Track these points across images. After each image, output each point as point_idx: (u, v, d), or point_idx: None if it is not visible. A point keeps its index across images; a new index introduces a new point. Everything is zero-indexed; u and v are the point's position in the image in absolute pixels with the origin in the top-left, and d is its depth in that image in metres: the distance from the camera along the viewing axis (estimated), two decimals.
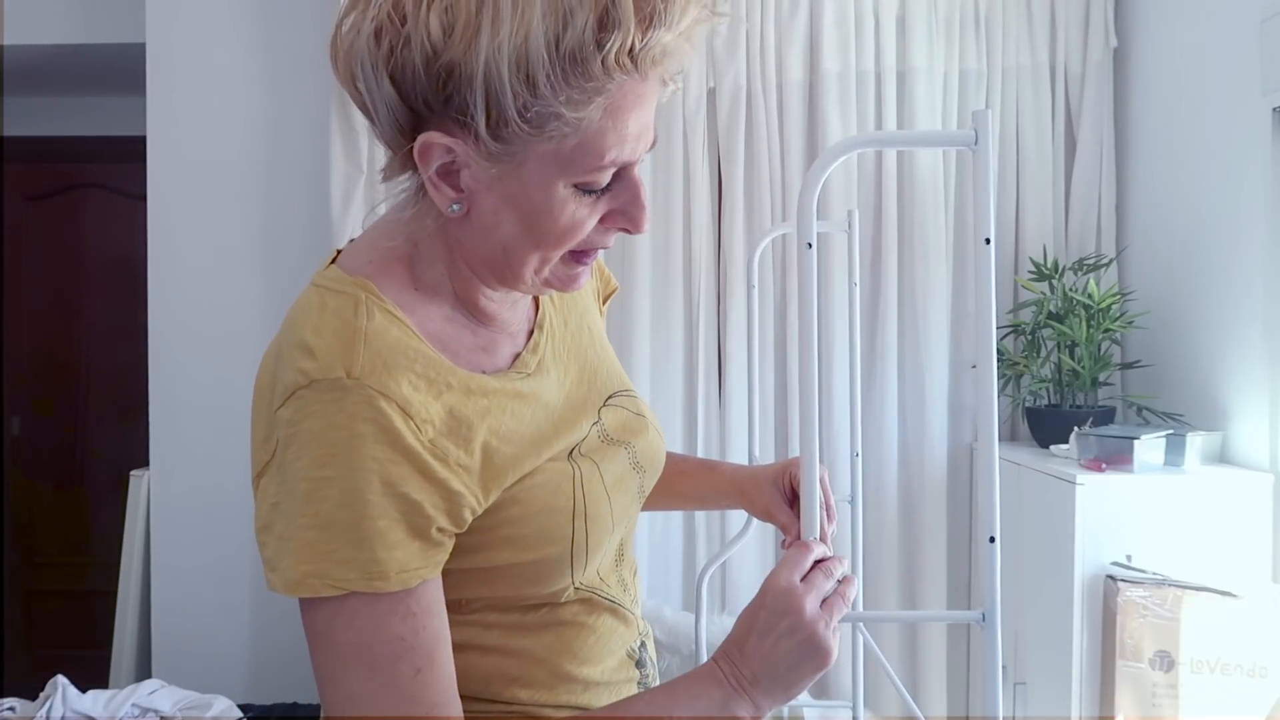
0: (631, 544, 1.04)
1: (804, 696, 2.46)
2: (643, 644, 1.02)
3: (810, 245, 0.84)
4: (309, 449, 0.77)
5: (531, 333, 0.96)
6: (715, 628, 2.31)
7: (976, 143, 0.82)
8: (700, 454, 2.83)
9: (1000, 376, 2.73)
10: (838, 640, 0.85)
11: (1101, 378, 2.64)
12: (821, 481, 0.97)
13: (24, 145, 4.03)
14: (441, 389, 0.83)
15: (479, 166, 0.80)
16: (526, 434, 0.88)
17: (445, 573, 0.84)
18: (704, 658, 1.74)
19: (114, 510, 3.20)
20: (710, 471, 1.21)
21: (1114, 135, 2.83)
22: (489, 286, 0.89)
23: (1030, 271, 2.73)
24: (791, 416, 2.82)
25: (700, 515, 2.84)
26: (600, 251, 0.90)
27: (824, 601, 0.85)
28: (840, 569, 0.87)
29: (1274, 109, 2.17)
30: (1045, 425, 2.62)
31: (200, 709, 2.41)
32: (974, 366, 2.76)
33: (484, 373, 0.88)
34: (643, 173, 0.86)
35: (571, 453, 0.92)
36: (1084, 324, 2.56)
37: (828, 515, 1.00)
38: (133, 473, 3.05)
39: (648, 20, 0.76)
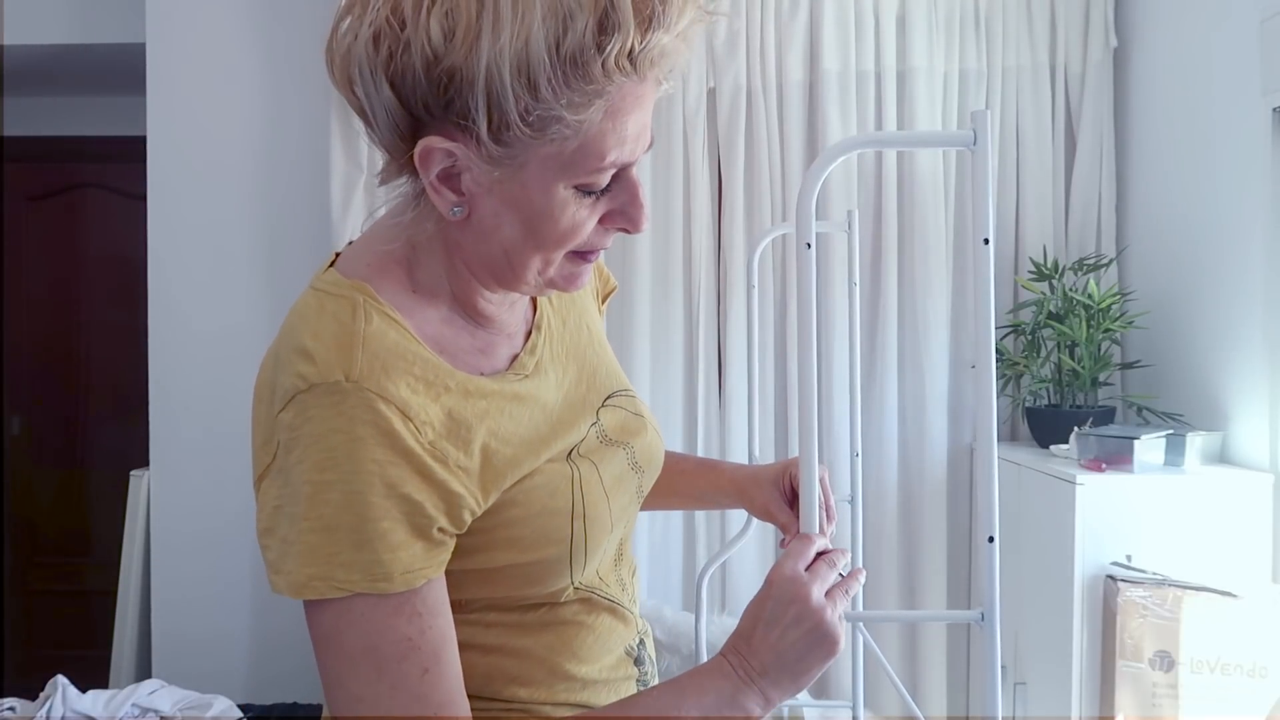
0: (630, 543, 1.04)
1: (804, 696, 2.46)
2: (641, 642, 1.03)
3: (809, 245, 0.85)
4: (310, 453, 0.77)
5: (529, 334, 0.96)
6: (715, 628, 2.31)
7: (975, 143, 0.82)
8: (700, 454, 2.83)
9: (1000, 376, 2.73)
10: (845, 630, 0.86)
11: (1101, 378, 2.64)
12: (821, 481, 0.98)
13: (24, 145, 4.03)
14: (440, 391, 0.83)
15: (480, 170, 0.80)
16: (525, 435, 0.88)
17: (446, 574, 0.84)
18: (704, 658, 1.74)
19: (114, 510, 3.20)
20: (710, 471, 1.21)
21: (1114, 135, 2.83)
22: (488, 289, 0.89)
23: (1030, 271, 2.73)
24: (791, 416, 2.82)
25: (700, 515, 2.84)
26: (600, 251, 0.90)
27: (828, 591, 0.85)
28: (843, 561, 0.88)
29: (1274, 109, 2.17)
30: (1045, 425, 2.62)
31: (200, 709, 2.41)
32: (973, 366, 2.77)
33: (482, 375, 0.88)
34: (641, 173, 0.86)
35: (570, 454, 0.92)
36: (1084, 324, 2.56)
37: (827, 515, 1.00)
38: (133, 473, 3.05)
39: (646, 23, 0.76)
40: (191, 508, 2.96)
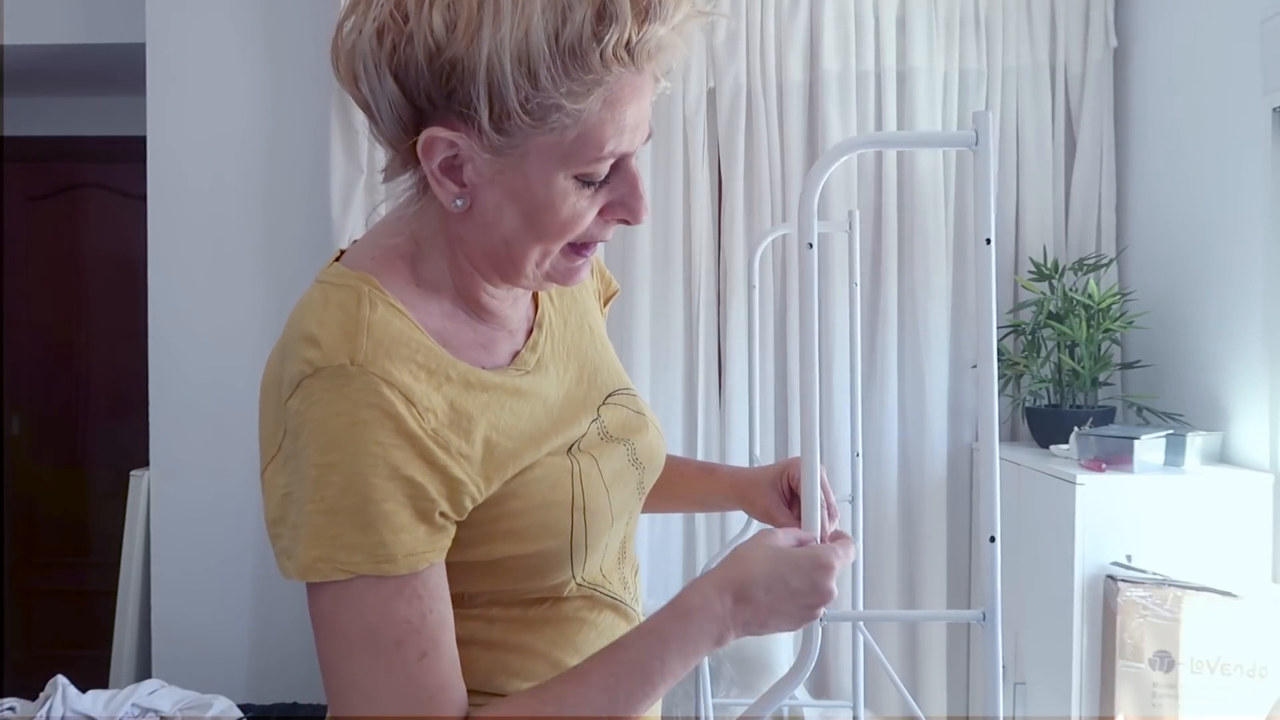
0: (634, 542, 1.05)
1: (804, 696, 2.46)
2: None
3: (811, 245, 0.85)
4: (315, 436, 0.78)
5: (531, 331, 0.97)
6: None
7: (978, 143, 0.82)
8: (700, 454, 2.83)
9: (1000, 376, 2.73)
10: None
11: (1101, 378, 2.64)
12: (821, 481, 0.98)
13: (24, 145, 4.03)
14: (441, 381, 0.84)
15: (482, 160, 0.82)
16: (525, 430, 0.89)
17: (448, 566, 0.84)
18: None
19: (114, 510, 3.20)
20: (709, 475, 1.22)
21: (1114, 135, 2.83)
22: (490, 282, 0.90)
23: (1030, 271, 2.73)
24: (792, 416, 2.82)
25: (700, 515, 2.84)
26: (600, 246, 0.91)
27: None
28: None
29: (1274, 109, 2.17)
30: (1045, 425, 2.62)
31: (200, 709, 2.41)
32: (974, 366, 2.77)
33: (484, 368, 0.89)
34: (640, 165, 0.87)
35: (571, 449, 0.92)
36: (1084, 324, 2.56)
37: (829, 514, 1.00)
38: (133, 473, 3.05)
39: (643, 15, 0.78)
40: (191, 507, 2.96)
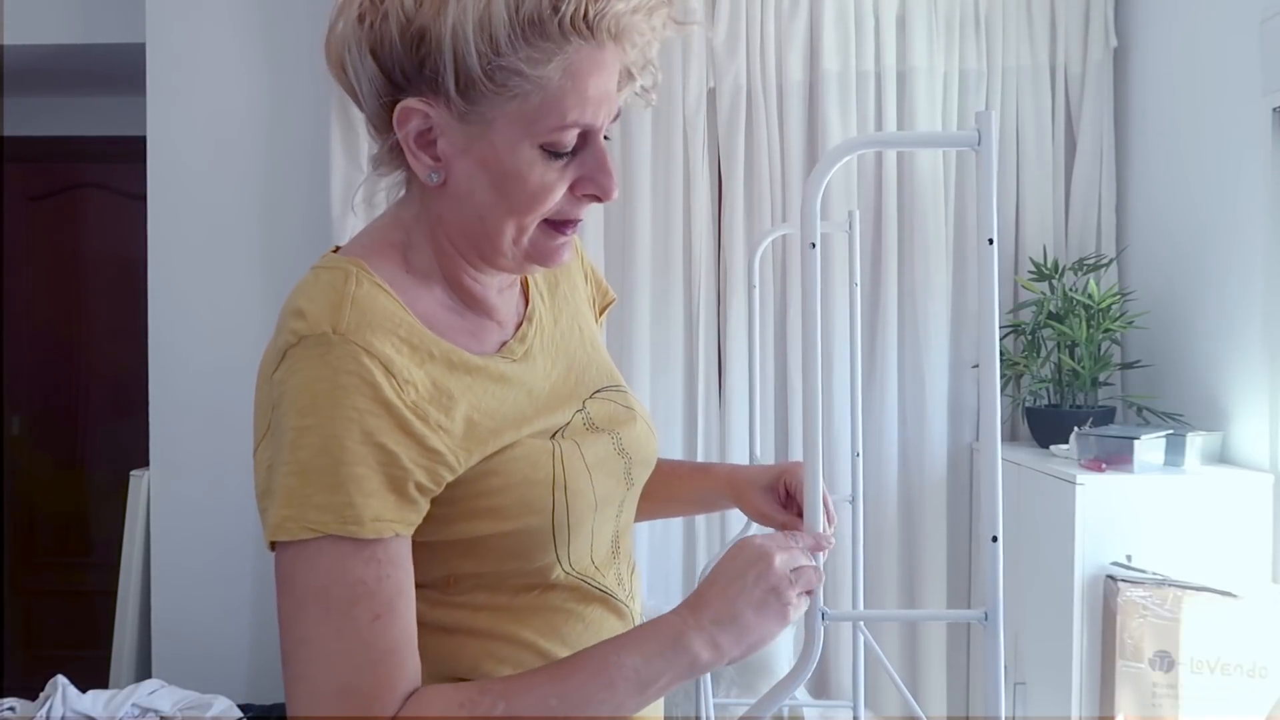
0: (630, 540, 1.05)
1: (804, 696, 2.46)
2: None
3: (814, 245, 0.85)
4: (295, 401, 0.80)
5: (520, 324, 0.98)
6: None
7: (980, 143, 0.82)
8: (701, 454, 2.84)
9: (1000, 376, 2.73)
10: (801, 610, 0.86)
11: (1101, 378, 2.64)
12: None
13: (24, 145, 4.03)
14: (424, 358, 0.85)
15: (453, 131, 0.86)
16: (507, 413, 0.90)
17: (430, 547, 0.85)
18: None
19: (114, 510, 3.19)
20: (705, 473, 1.22)
21: (1114, 135, 2.83)
22: (472, 264, 0.93)
23: (1030, 271, 2.73)
24: (792, 417, 2.81)
25: (700, 515, 2.84)
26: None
27: (795, 569, 0.86)
28: (821, 557, 0.89)
29: (1274, 109, 2.17)
30: (1045, 425, 2.62)
31: (200, 709, 2.41)
32: (975, 366, 2.77)
33: (469, 353, 0.90)
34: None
35: (555, 435, 0.93)
36: (1084, 324, 2.56)
37: (827, 518, 1.00)
38: (133, 473, 3.05)
39: None
40: (191, 508, 2.96)
